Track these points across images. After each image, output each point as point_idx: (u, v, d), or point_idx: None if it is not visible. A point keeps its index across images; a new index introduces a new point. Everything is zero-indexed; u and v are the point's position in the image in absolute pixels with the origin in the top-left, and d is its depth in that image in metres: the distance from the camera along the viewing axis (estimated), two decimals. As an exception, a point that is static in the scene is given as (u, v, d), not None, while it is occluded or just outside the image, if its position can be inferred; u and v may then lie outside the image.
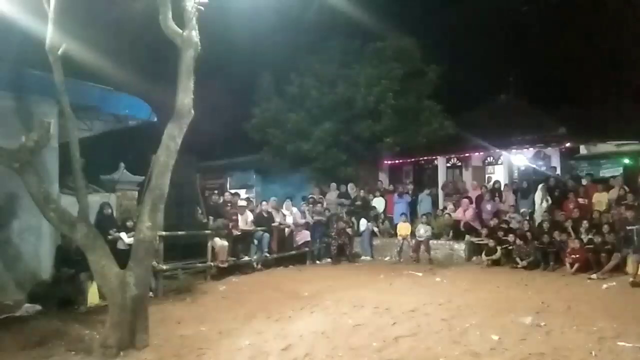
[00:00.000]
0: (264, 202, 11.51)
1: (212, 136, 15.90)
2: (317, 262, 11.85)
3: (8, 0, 6.15)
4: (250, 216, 10.78)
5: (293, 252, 11.48)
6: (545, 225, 10.10)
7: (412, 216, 12.67)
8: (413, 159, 16.10)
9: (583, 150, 13.61)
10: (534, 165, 14.08)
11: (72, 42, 5.82)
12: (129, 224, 7.93)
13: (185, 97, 5.36)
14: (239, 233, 10.09)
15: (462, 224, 11.64)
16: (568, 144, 13.45)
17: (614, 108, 13.68)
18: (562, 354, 4.51)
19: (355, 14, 12.74)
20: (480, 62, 17.71)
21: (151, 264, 5.77)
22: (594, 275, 8.47)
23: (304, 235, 11.83)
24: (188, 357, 4.77)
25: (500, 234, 10.55)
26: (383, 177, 16.35)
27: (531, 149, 14.05)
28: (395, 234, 12.23)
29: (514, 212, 11.39)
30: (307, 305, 6.89)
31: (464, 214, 11.83)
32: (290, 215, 11.78)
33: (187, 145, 5.63)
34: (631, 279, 7.75)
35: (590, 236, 9.34)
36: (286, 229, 11.47)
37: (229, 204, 10.77)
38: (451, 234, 11.75)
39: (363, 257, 12.29)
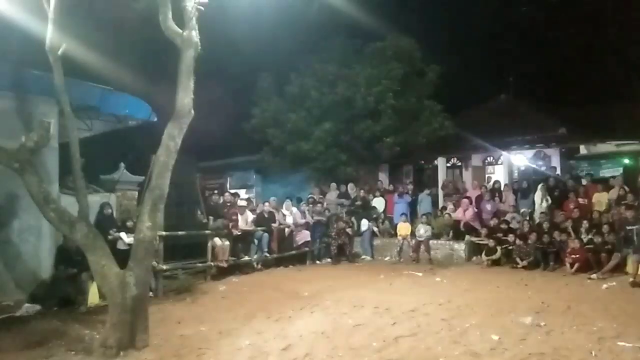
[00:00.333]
0: (266, 203, 11.49)
1: (212, 136, 15.89)
2: (317, 262, 11.85)
3: (8, 0, 6.15)
4: (250, 216, 10.79)
5: (293, 252, 11.48)
6: (545, 225, 10.10)
7: (412, 216, 12.67)
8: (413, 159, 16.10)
9: (583, 150, 13.61)
10: (534, 165, 14.08)
11: (72, 42, 5.82)
12: (129, 224, 7.93)
13: (185, 97, 5.36)
14: (239, 233, 10.10)
15: (462, 224, 11.64)
16: (568, 144, 13.45)
17: (614, 108, 13.67)
18: (562, 354, 4.52)
19: (355, 14, 12.73)
20: (480, 62, 17.75)
21: (151, 264, 5.77)
22: (594, 275, 8.47)
23: (304, 235, 11.83)
24: (188, 357, 4.77)
25: (500, 234, 10.55)
26: (383, 177, 16.36)
27: (531, 149, 14.05)
28: (395, 234, 12.23)
29: (514, 212, 11.39)
30: (307, 305, 6.89)
31: (464, 214, 11.83)
32: (290, 215, 11.78)
33: (187, 145, 5.63)
34: (631, 279, 7.76)
35: (590, 236, 9.34)
36: (286, 229, 11.47)
37: (229, 204, 10.78)
38: (451, 234, 11.74)
39: (363, 257, 12.29)
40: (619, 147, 12.81)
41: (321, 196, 13.51)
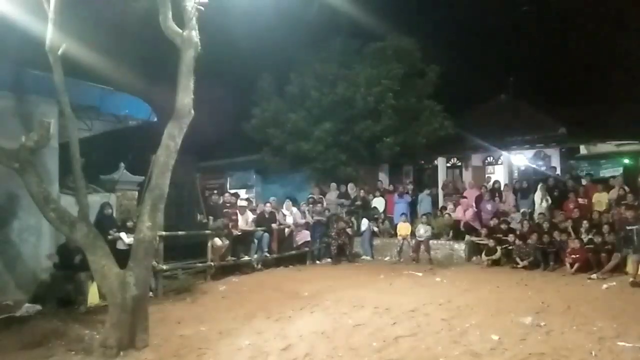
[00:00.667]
0: (267, 204, 11.47)
1: (212, 136, 15.90)
2: (317, 262, 11.85)
3: (8, 0, 6.15)
4: (250, 216, 10.79)
5: (293, 252, 11.49)
6: (545, 225, 10.10)
7: (412, 216, 12.68)
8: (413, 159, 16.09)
9: (583, 150, 13.62)
10: (534, 165, 14.09)
11: (72, 42, 5.82)
12: (129, 224, 7.93)
13: (185, 97, 5.36)
14: (239, 233, 10.10)
15: (462, 224, 11.64)
16: (568, 144, 13.45)
17: (614, 108, 13.67)
18: (562, 354, 4.52)
19: (355, 14, 12.73)
20: (480, 62, 17.73)
21: (151, 264, 5.77)
22: (594, 275, 8.48)
23: (304, 235, 11.83)
24: (188, 357, 4.77)
25: (500, 234, 10.55)
26: (383, 177, 16.36)
27: (531, 149, 14.05)
28: (395, 234, 12.24)
29: (514, 212, 11.39)
30: (307, 305, 6.89)
31: (464, 214, 11.84)
32: (290, 215, 11.78)
33: (187, 145, 5.63)
34: (631, 279, 7.77)
35: (590, 236, 9.35)
36: (286, 229, 11.47)
37: (228, 204, 10.79)
38: (451, 234, 11.75)
39: (363, 257, 12.29)
40: (619, 147, 12.83)
41: (321, 196, 13.51)
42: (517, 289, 7.78)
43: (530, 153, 14.27)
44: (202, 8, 5.49)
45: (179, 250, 9.10)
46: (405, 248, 11.74)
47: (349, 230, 12.10)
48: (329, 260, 11.79)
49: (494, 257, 10.35)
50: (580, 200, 10.74)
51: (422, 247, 11.42)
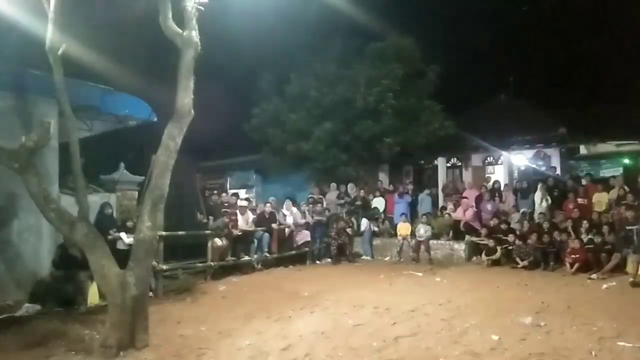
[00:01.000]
0: (267, 204, 11.46)
1: (212, 136, 15.91)
2: (317, 262, 11.84)
3: (8, 0, 6.15)
4: (250, 216, 10.79)
5: (293, 252, 11.49)
6: (545, 225, 10.10)
7: (412, 216, 12.68)
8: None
9: (583, 150, 13.62)
10: (534, 165, 14.09)
11: (72, 42, 5.82)
12: (129, 224, 7.93)
13: (185, 97, 5.36)
14: (239, 233, 10.10)
15: (462, 224, 11.64)
16: (568, 144, 13.45)
17: (614, 108, 13.67)
18: (562, 354, 4.52)
19: (355, 14, 12.73)
20: (480, 62, 17.75)
21: (151, 264, 5.77)
22: (594, 275, 8.47)
23: (304, 235, 11.83)
24: (188, 357, 4.77)
25: (500, 234, 10.54)
26: (383, 177, 16.36)
27: (531, 149, 14.05)
28: (395, 234, 12.23)
29: (514, 212, 11.39)
30: (307, 305, 6.89)
31: (464, 214, 11.83)
32: (290, 215, 11.78)
33: (187, 145, 5.63)
34: (631, 279, 7.76)
35: (590, 236, 9.34)
36: (286, 229, 11.47)
37: (226, 204, 10.80)
38: (451, 234, 11.74)
39: (363, 257, 12.29)
40: (619, 147, 12.83)
41: (321, 196, 13.51)
42: (517, 289, 7.78)
43: (530, 153, 14.27)
44: (202, 8, 5.49)
45: (179, 250, 9.09)
46: (405, 248, 11.73)
47: (349, 230, 12.10)
48: (329, 260, 11.79)
49: (494, 257, 10.35)
50: (580, 200, 10.73)
51: (422, 247, 11.42)
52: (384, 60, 14.61)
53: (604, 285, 7.81)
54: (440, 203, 13.89)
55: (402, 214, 12.45)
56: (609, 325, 5.37)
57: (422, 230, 11.54)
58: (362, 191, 13.79)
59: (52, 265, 7.37)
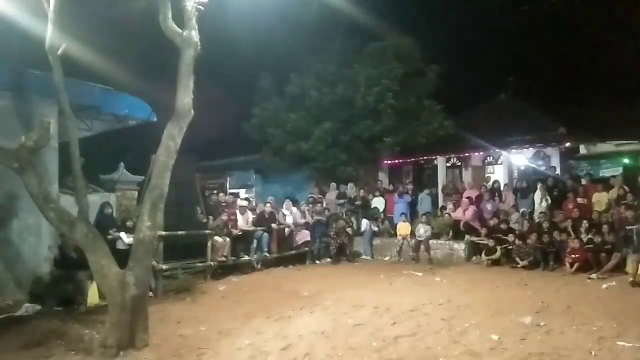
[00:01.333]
0: (267, 204, 11.46)
1: (212, 136, 15.91)
2: (317, 262, 11.84)
3: (8, 0, 6.15)
4: (250, 216, 10.79)
5: (293, 252, 11.49)
6: (545, 225, 10.10)
7: (412, 216, 12.67)
8: (413, 159, 16.08)
9: (583, 150, 13.60)
10: (534, 165, 14.07)
11: (72, 42, 5.82)
12: (129, 224, 7.93)
13: (185, 97, 5.36)
14: (239, 233, 10.10)
15: (462, 224, 11.64)
16: (568, 144, 13.45)
17: (614, 108, 13.66)
18: (562, 354, 4.52)
19: (355, 14, 12.74)
20: (480, 62, 17.73)
21: (151, 264, 5.77)
22: (594, 275, 8.47)
23: (304, 235, 11.83)
24: (188, 357, 4.78)
25: (500, 234, 10.54)
26: (383, 177, 16.35)
27: (531, 149, 14.04)
28: (395, 234, 12.24)
29: (514, 212, 11.39)
30: (307, 305, 6.89)
31: (464, 214, 11.83)
32: (290, 215, 11.78)
33: (187, 145, 5.63)
34: (631, 279, 7.76)
35: (590, 236, 9.34)
36: (286, 229, 11.47)
37: (224, 204, 10.79)
38: (451, 234, 11.74)
39: (363, 257, 12.29)
40: (619, 147, 12.81)
41: (321, 196, 13.51)
42: (517, 289, 7.78)
43: (530, 153, 14.25)
44: (202, 8, 5.50)
45: (179, 250, 9.09)
46: (405, 248, 11.73)
47: (349, 230, 12.10)
48: (329, 260, 11.79)
49: (494, 257, 10.35)
50: (580, 200, 10.73)
51: (422, 247, 11.42)
52: (384, 60, 14.62)
53: (604, 285, 7.80)
54: (440, 203, 13.88)
55: (402, 214, 12.45)
56: (609, 325, 5.37)
57: (422, 230, 11.54)
58: (362, 191, 13.79)
59: (54, 264, 7.37)
